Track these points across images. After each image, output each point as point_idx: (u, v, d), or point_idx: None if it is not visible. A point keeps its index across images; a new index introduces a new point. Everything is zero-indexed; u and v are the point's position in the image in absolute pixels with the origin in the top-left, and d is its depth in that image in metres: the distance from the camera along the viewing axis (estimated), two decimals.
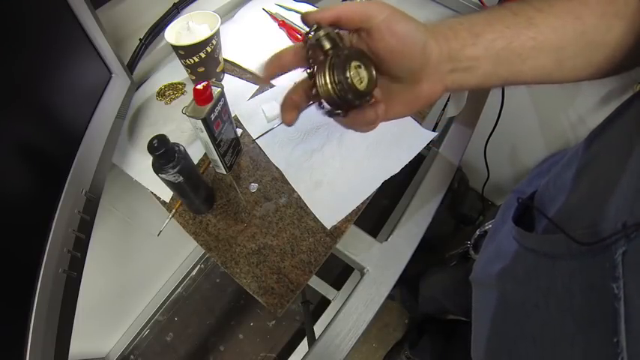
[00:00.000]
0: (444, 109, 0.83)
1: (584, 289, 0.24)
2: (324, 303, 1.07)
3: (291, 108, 0.29)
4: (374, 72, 0.26)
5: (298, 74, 0.29)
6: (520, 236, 0.36)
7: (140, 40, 0.66)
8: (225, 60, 0.70)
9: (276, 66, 0.28)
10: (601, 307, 0.22)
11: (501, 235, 0.42)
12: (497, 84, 0.28)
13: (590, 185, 0.29)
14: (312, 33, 0.26)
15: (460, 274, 0.71)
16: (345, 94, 0.25)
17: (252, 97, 0.67)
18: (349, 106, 0.26)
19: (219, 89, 0.48)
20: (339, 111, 0.27)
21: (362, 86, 0.25)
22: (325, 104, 0.27)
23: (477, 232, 0.57)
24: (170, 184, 0.46)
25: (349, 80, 0.24)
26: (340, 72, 0.24)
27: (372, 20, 0.25)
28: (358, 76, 0.25)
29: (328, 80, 0.25)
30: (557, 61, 0.27)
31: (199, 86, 0.45)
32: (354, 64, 0.25)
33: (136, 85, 0.62)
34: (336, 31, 0.26)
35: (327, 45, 0.25)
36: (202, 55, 0.60)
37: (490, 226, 0.53)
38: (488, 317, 0.39)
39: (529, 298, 0.31)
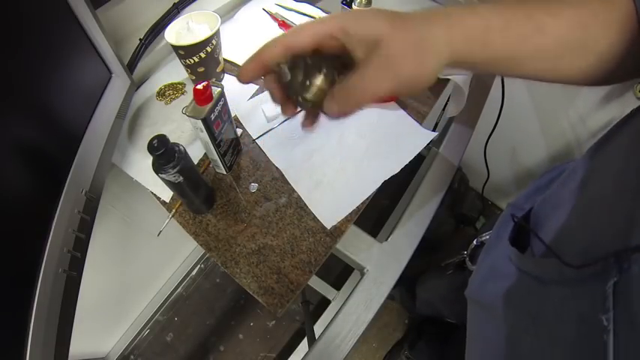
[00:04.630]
0: (444, 109, 0.83)
1: (574, 318, 0.24)
2: (324, 303, 1.07)
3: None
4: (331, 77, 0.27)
5: None
6: (515, 257, 0.35)
7: (140, 40, 0.66)
8: (225, 60, 0.70)
9: (261, 67, 0.27)
10: (590, 338, 0.21)
11: (496, 253, 0.41)
12: (489, 73, 0.29)
13: (585, 207, 0.29)
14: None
15: (456, 282, 0.71)
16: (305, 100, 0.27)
17: (252, 97, 0.67)
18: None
19: (219, 89, 0.48)
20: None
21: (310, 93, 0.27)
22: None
23: (474, 243, 0.56)
24: (170, 184, 0.46)
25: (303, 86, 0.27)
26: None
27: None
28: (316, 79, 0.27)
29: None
30: (553, 68, 0.27)
31: (199, 86, 0.45)
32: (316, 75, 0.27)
33: (136, 85, 0.62)
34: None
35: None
36: (202, 55, 0.60)
37: (487, 237, 0.52)
38: (480, 336, 0.39)
39: (519, 322, 0.31)
